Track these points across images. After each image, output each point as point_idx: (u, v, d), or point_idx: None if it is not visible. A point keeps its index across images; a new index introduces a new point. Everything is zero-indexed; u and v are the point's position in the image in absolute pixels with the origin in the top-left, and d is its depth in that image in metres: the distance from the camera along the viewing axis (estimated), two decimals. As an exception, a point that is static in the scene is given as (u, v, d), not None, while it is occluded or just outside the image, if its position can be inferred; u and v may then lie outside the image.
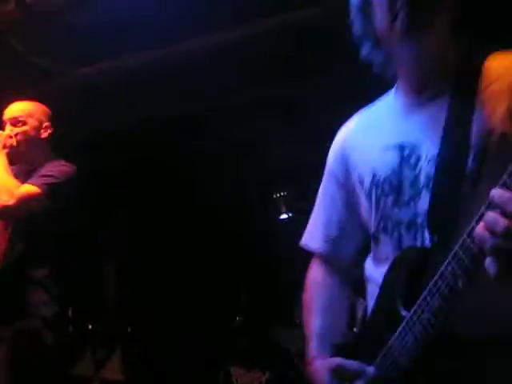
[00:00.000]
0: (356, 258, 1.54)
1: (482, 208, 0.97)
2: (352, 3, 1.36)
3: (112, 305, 6.08)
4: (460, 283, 1.04)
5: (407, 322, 1.17)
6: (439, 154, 1.21)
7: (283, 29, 3.32)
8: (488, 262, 0.94)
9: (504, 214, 0.92)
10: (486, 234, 0.94)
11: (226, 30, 3.43)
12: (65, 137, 2.81)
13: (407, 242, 1.26)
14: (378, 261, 1.36)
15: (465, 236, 1.01)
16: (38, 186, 2.47)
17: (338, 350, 1.38)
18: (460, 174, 1.17)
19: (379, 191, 1.31)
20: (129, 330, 5.31)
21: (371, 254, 1.41)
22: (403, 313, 1.19)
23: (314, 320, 1.51)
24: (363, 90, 1.65)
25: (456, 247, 1.04)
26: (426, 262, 1.17)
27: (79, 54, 3.62)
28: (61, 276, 2.75)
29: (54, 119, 2.78)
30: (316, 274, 1.58)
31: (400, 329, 1.19)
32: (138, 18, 3.21)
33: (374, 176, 1.33)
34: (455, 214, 1.16)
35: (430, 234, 1.19)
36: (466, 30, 1.29)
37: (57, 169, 2.60)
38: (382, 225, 1.32)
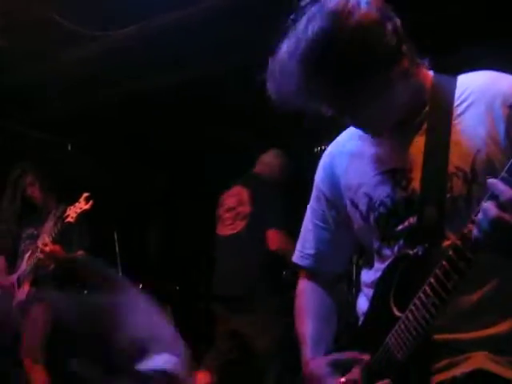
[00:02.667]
0: (343, 271, 1.68)
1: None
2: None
3: (159, 264, 6.22)
4: (452, 282, 1.16)
5: (403, 321, 1.28)
6: (422, 177, 1.32)
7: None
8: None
9: (498, 204, 1.04)
10: (483, 222, 1.06)
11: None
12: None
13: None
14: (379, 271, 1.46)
15: (457, 240, 1.15)
16: None
17: (335, 352, 1.50)
18: (443, 193, 1.29)
19: (376, 214, 1.42)
20: (177, 288, 5.41)
21: (373, 266, 1.49)
22: (397, 313, 1.31)
23: (307, 325, 1.59)
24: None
25: (449, 251, 1.16)
26: (417, 267, 1.29)
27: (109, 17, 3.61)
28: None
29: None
30: (305, 285, 1.67)
31: (396, 327, 1.30)
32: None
33: (369, 200, 1.43)
34: (442, 226, 1.28)
35: (421, 243, 1.30)
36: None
37: None
38: (384, 241, 1.42)
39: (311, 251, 1.62)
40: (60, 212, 3.81)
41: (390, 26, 1.25)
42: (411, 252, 1.31)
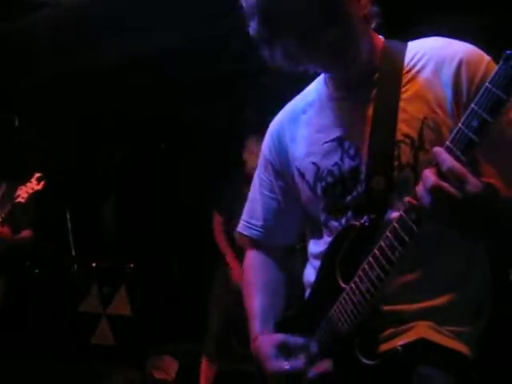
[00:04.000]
0: (293, 242, 1.62)
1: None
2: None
3: (114, 242, 6.14)
4: (397, 254, 1.14)
5: (347, 293, 1.26)
6: (369, 145, 1.29)
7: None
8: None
9: (439, 172, 1.03)
10: (422, 190, 1.05)
11: None
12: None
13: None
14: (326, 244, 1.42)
15: (401, 212, 1.13)
16: None
17: (281, 326, 1.47)
18: (390, 160, 1.26)
19: (324, 184, 1.37)
20: (132, 265, 5.35)
21: (321, 237, 1.46)
22: (342, 284, 1.29)
23: (255, 299, 1.55)
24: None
25: (393, 222, 1.14)
26: (364, 238, 1.26)
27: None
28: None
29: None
30: (253, 257, 1.63)
31: (340, 299, 1.29)
32: None
33: (317, 170, 1.38)
34: (389, 196, 1.26)
35: (368, 214, 1.27)
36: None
37: None
38: (331, 213, 1.39)
39: (259, 222, 1.57)
40: (3, 191, 3.69)
41: None
42: (358, 223, 1.28)
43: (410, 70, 1.30)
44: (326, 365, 1.30)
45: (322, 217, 1.41)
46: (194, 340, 4.92)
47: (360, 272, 1.22)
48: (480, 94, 1.00)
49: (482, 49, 1.29)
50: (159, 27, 3.96)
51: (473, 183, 1.01)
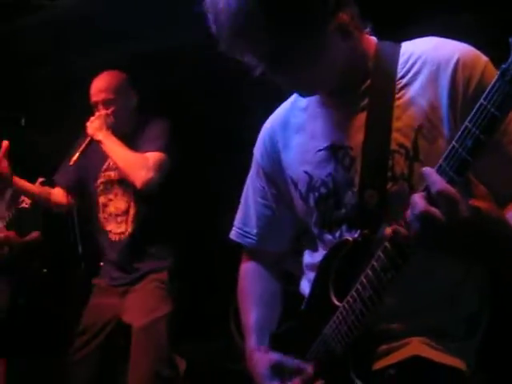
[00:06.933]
0: (288, 249, 1.56)
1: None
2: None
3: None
4: (389, 275, 1.09)
5: (341, 312, 1.22)
6: (363, 155, 1.22)
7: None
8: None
9: (428, 196, 0.96)
10: (410, 217, 0.98)
11: None
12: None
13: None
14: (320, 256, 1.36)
15: (394, 233, 1.06)
16: (160, 151, 2.59)
17: (276, 340, 1.44)
18: (384, 171, 1.19)
19: (317, 195, 1.31)
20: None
21: (315, 249, 1.41)
22: (336, 302, 1.24)
23: (251, 313, 1.52)
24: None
25: (386, 242, 1.08)
26: (357, 254, 1.21)
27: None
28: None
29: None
30: (248, 267, 1.59)
31: (334, 318, 1.24)
32: None
33: (310, 179, 1.33)
34: (383, 209, 1.19)
35: (361, 229, 1.22)
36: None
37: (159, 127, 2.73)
38: (325, 225, 1.33)
39: (253, 230, 1.53)
40: (9, 196, 3.67)
41: None
42: (351, 238, 1.23)
43: (404, 76, 1.23)
44: None
45: (316, 229, 1.37)
46: (203, 339, 4.89)
47: (353, 292, 1.18)
48: (474, 111, 0.94)
49: (480, 48, 1.22)
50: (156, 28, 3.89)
51: (464, 208, 0.93)
